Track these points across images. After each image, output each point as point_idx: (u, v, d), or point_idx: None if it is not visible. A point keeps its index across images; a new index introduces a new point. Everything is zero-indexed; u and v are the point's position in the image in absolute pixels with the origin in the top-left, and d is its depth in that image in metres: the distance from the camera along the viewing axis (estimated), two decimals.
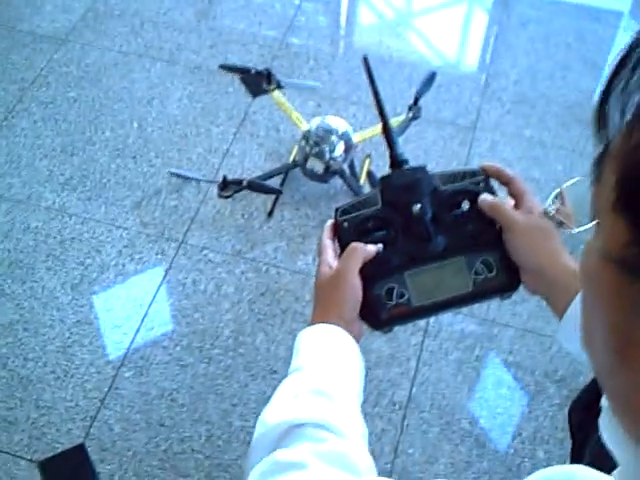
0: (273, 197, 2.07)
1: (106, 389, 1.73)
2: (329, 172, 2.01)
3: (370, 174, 2.10)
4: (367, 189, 2.06)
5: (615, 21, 2.77)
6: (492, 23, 2.73)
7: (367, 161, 2.17)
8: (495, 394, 1.82)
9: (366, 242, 1.02)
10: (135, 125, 2.25)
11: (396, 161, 1.10)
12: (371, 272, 1.01)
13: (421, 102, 2.10)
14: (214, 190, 2.08)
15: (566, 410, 1.38)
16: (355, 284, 0.93)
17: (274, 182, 2.06)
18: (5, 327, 1.81)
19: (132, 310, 1.86)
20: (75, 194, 2.08)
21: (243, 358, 1.80)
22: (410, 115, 2.09)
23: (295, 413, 0.77)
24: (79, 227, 2.01)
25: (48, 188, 2.09)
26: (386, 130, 1.09)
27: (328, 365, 0.86)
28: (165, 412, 1.71)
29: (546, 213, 0.90)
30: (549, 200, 0.90)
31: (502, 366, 1.86)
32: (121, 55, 2.45)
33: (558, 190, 0.89)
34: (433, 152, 2.24)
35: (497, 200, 0.95)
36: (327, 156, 1.98)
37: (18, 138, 2.21)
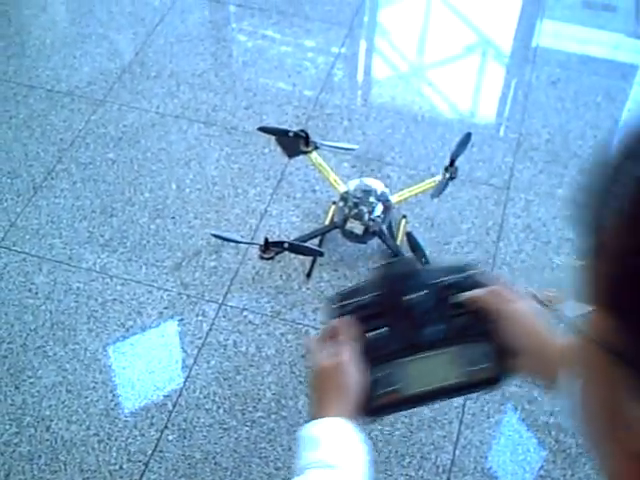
0: (311, 258, 2.09)
1: (150, 452, 1.73)
2: (368, 233, 2.02)
3: (410, 235, 2.11)
4: (405, 249, 2.07)
5: None
6: (521, 82, 2.76)
7: (403, 222, 2.19)
8: (537, 456, 1.81)
9: (362, 329, 1.04)
10: (173, 186, 2.29)
11: (392, 254, 1.15)
12: (364, 359, 1.02)
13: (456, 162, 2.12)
14: (253, 251, 2.10)
15: None
16: (359, 374, 0.96)
17: (312, 243, 2.08)
18: (48, 389, 1.82)
19: (174, 372, 1.87)
20: (115, 255, 2.10)
21: (286, 421, 1.80)
22: (447, 176, 2.11)
23: None
24: (120, 288, 2.03)
25: (88, 249, 2.12)
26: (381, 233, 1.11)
27: (359, 466, 0.89)
28: (209, 476, 1.71)
29: (534, 296, 0.99)
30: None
31: (543, 428, 1.85)
32: (158, 116, 2.49)
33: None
34: (468, 212, 2.26)
35: (481, 294, 0.98)
36: (366, 217, 2.00)
37: (58, 199, 2.24)
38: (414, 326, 1.07)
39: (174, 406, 1.81)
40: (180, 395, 1.83)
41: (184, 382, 1.85)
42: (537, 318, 0.97)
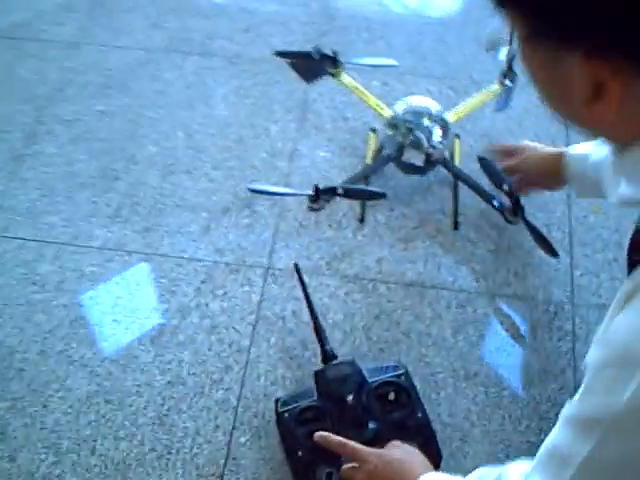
0: (360, 201, 1.76)
1: (222, 461, 1.43)
2: (430, 162, 1.70)
3: (484, 161, 1.70)
4: (478, 176, 1.74)
5: None
6: None
7: (457, 142, 1.87)
8: None
9: (305, 431, 1.27)
10: (181, 134, 1.92)
11: (327, 356, 1.39)
12: (311, 458, 1.25)
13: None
14: (290, 199, 1.77)
15: None
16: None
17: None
18: (83, 402, 1.50)
19: (230, 359, 1.55)
20: (129, 226, 1.76)
21: None
22: (507, 83, 1.78)
23: None
24: (144, 266, 1.69)
25: (95, 223, 1.76)
26: (317, 329, 1.43)
27: None
28: None
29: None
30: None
31: None
32: (144, 53, 2.10)
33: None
34: (528, 122, 1.93)
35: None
36: (425, 144, 1.66)
37: (47, 168, 1.87)
38: (354, 424, 1.26)
39: (238, 400, 1.50)
40: (243, 386, 1.51)
41: (244, 369, 1.54)
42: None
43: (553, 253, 1.58)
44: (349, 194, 1.60)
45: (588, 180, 1.35)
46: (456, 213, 1.75)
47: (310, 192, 1.60)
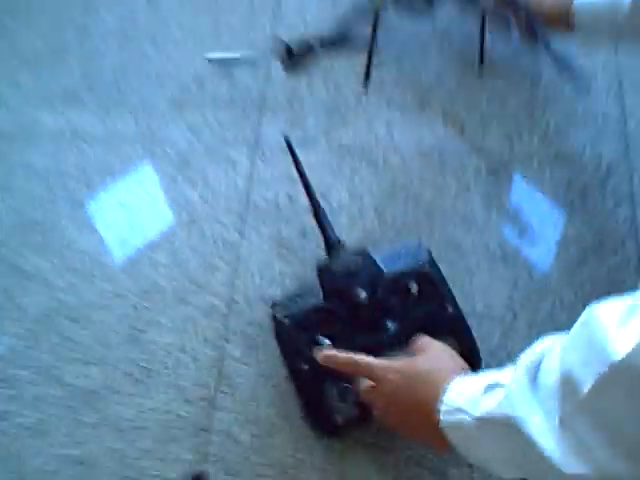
0: (364, 58, 1.45)
1: (213, 382, 1.17)
2: None
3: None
4: None
5: None
6: None
7: None
8: None
9: (311, 340, 1.02)
10: None
11: (332, 245, 1.12)
12: (319, 372, 0.98)
13: None
14: (277, 62, 1.46)
15: None
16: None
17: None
18: (41, 322, 1.23)
19: (215, 257, 1.28)
20: (88, 109, 1.46)
21: None
22: None
23: None
24: (103, 153, 1.40)
25: (45, 108, 1.46)
26: (317, 214, 1.14)
27: None
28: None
29: None
30: None
31: None
32: None
33: None
34: None
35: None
36: None
37: None
38: (371, 326, 1.02)
39: (229, 306, 1.23)
40: (233, 289, 1.24)
41: (233, 268, 1.26)
42: None
43: (581, 85, 1.27)
44: (326, 44, 1.28)
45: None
46: (482, 54, 1.42)
47: (280, 51, 1.28)
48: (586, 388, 0.61)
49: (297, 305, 1.09)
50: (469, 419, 0.76)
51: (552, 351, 0.70)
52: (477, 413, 0.75)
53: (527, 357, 0.74)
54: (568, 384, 0.64)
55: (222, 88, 1.46)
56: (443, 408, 0.81)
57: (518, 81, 1.42)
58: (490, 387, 0.76)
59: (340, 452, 1.09)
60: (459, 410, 0.78)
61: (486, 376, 0.80)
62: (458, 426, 0.79)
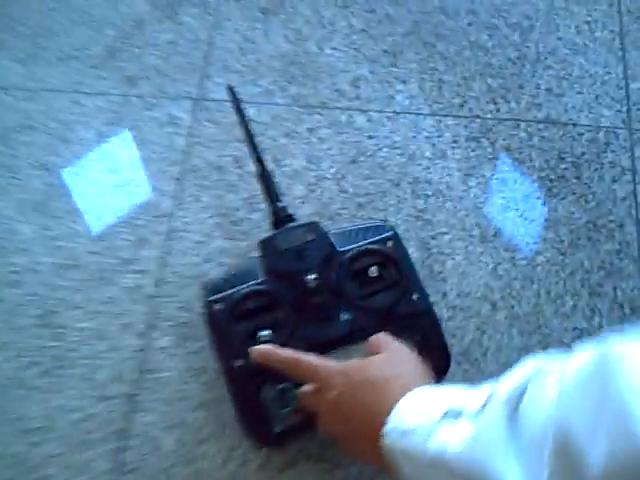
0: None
1: (135, 375, 0.99)
2: None
3: None
4: None
5: None
6: None
7: None
8: None
9: (249, 330, 0.85)
10: None
11: (279, 218, 0.95)
12: (256, 369, 0.82)
13: None
14: (230, 4, 1.26)
15: None
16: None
17: None
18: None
19: (145, 228, 1.09)
20: (5, 55, 1.26)
21: None
22: None
23: None
24: (26, 106, 1.20)
25: None
26: (264, 180, 0.96)
27: None
28: None
29: None
30: None
31: None
32: None
33: None
34: None
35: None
36: None
37: None
38: (320, 316, 0.86)
39: (157, 286, 1.04)
40: (164, 266, 1.06)
41: (165, 242, 1.08)
42: None
43: None
44: None
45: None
46: None
47: None
48: (596, 468, 0.43)
49: (233, 288, 0.90)
50: (418, 450, 0.59)
51: (541, 385, 0.52)
52: (431, 446, 0.57)
53: (504, 388, 0.56)
54: (566, 447, 0.46)
55: (164, 33, 1.26)
56: (389, 426, 0.64)
57: (506, 33, 1.24)
58: (452, 414, 0.58)
59: (280, 465, 0.92)
60: (406, 434, 0.61)
61: (448, 394, 0.63)
62: (404, 455, 0.61)
